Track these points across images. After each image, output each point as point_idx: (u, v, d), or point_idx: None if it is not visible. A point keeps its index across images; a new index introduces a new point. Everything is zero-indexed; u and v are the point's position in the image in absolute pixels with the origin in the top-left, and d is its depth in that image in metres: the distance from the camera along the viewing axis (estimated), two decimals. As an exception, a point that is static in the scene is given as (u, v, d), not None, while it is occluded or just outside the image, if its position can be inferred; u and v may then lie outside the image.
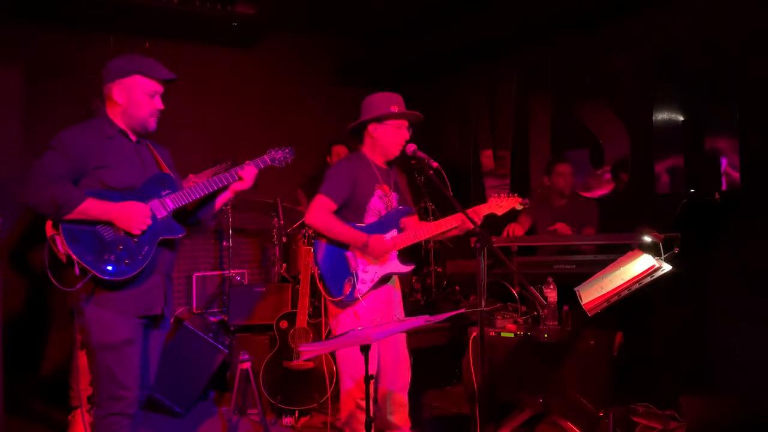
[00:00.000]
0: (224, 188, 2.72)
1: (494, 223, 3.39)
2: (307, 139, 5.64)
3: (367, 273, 3.02)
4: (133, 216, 2.41)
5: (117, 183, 2.45)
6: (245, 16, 5.04)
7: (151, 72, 2.52)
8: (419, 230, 3.10)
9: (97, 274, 2.33)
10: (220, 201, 2.80)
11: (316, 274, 3.04)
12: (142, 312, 2.50)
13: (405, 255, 3.18)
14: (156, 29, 5.15)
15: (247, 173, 2.73)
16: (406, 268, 3.13)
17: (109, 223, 2.39)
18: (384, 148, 3.10)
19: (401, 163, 3.23)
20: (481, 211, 3.06)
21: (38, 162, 2.37)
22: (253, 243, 5.87)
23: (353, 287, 2.96)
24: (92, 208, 2.36)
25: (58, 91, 4.78)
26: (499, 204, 3.09)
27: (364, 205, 3.06)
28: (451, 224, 3.04)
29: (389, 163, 3.20)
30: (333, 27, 5.88)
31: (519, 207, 3.12)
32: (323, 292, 3.03)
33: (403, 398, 3.18)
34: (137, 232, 2.42)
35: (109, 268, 2.36)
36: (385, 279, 3.10)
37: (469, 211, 3.00)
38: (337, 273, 3.00)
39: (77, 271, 2.33)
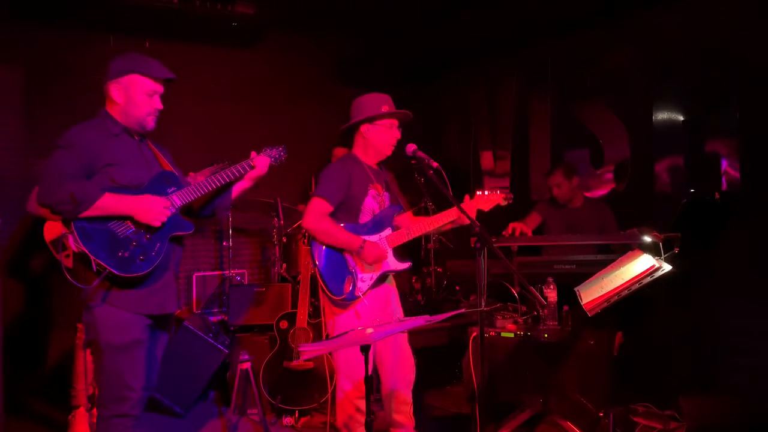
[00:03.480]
0: (231, 184, 2.72)
1: (496, 224, 3.39)
2: (307, 139, 5.64)
3: (366, 271, 3.02)
4: (153, 208, 2.40)
5: (127, 181, 2.43)
6: (245, 16, 5.04)
7: (149, 71, 2.50)
8: (413, 227, 3.13)
9: (113, 270, 2.31)
10: (237, 191, 2.79)
11: (317, 274, 3.04)
12: (156, 310, 2.49)
13: (402, 253, 3.19)
14: (156, 29, 5.15)
15: (259, 161, 2.75)
16: (403, 266, 3.13)
17: (123, 219, 2.38)
18: (376, 148, 3.12)
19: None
20: (471, 207, 3.10)
21: (49, 162, 2.34)
22: (253, 243, 5.86)
23: (353, 286, 2.97)
24: (110, 202, 2.34)
25: (58, 91, 4.77)
26: (484, 200, 3.14)
27: (359, 205, 3.07)
28: (445, 219, 3.08)
29: (379, 164, 3.22)
30: (333, 27, 5.87)
31: (503, 203, 3.17)
32: (324, 292, 3.03)
33: (407, 396, 3.18)
34: (158, 224, 2.41)
35: (124, 264, 2.34)
36: (383, 277, 3.12)
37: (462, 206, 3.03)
38: (336, 272, 3.00)
39: (94, 267, 2.31)
